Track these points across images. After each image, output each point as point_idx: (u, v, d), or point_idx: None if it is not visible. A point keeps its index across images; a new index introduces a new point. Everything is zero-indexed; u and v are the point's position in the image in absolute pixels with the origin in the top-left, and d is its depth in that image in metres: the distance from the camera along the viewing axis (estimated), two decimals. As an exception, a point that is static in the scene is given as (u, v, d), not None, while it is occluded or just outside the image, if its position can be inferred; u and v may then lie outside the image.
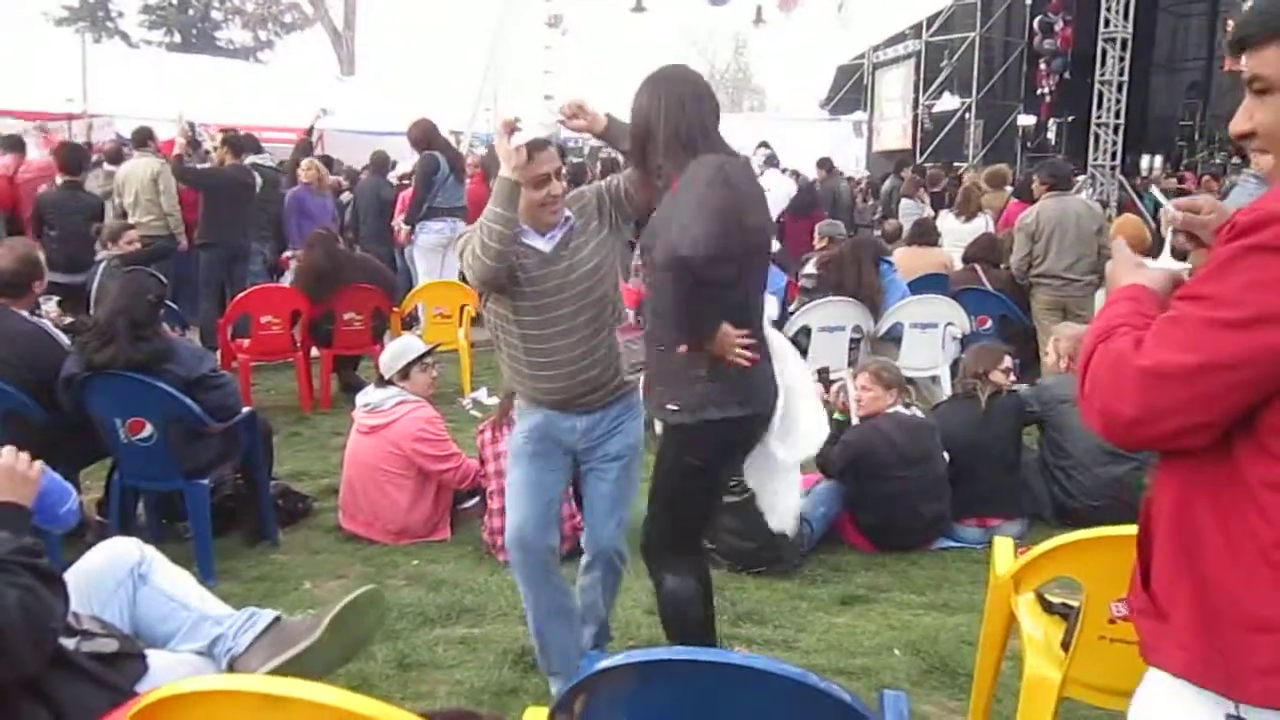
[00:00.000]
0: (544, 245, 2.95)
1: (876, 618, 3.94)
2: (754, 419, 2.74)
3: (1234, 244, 1.29)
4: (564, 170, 3.13)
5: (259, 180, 8.83)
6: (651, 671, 1.77)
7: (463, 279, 5.93)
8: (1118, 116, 13.48)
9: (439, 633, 3.73)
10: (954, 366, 6.64)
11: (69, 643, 1.98)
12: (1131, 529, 1.72)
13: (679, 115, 2.64)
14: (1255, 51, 1.38)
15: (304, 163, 9.39)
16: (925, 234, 7.93)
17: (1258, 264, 1.26)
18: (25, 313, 4.24)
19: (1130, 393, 1.34)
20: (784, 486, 2.96)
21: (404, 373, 4.73)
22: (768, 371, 2.75)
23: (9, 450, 2.03)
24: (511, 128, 2.78)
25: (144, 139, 8.72)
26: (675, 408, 2.72)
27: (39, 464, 2.05)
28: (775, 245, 6.45)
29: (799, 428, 2.84)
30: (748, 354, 2.62)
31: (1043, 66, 18.44)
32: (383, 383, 4.74)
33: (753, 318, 2.69)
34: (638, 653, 1.84)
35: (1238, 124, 1.44)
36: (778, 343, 2.88)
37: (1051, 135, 18.85)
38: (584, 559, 3.30)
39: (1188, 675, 1.40)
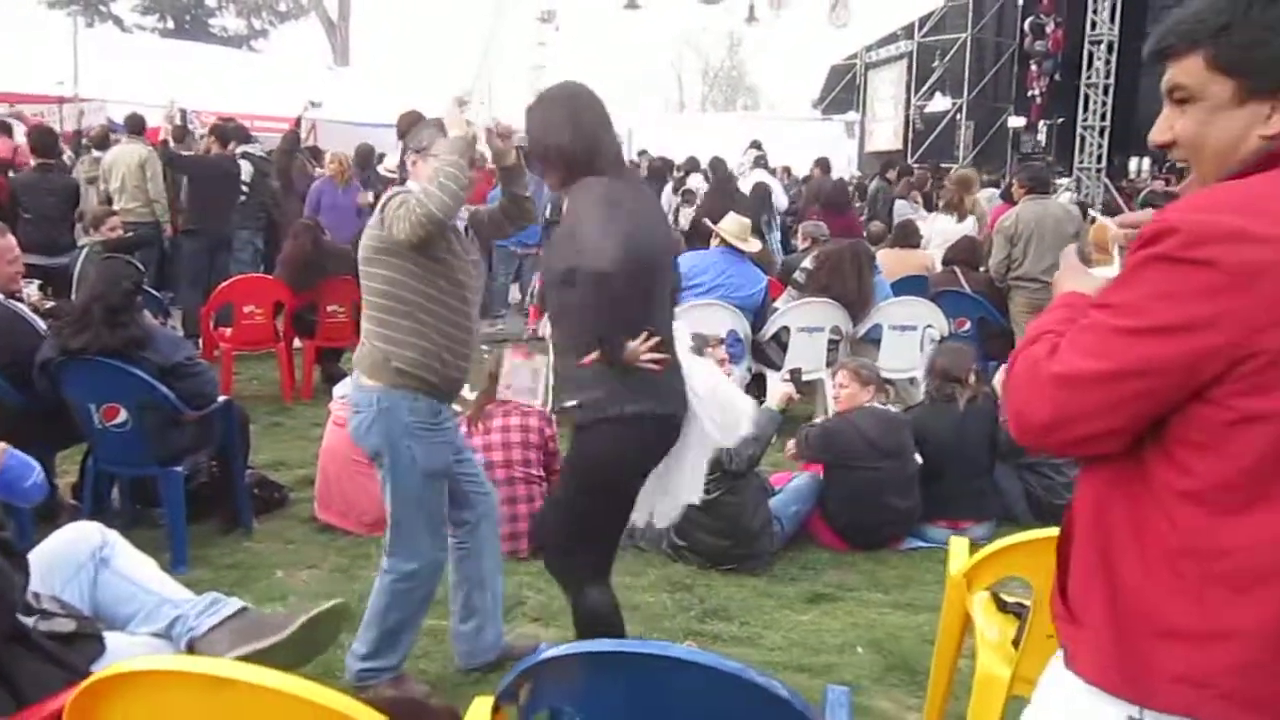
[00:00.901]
0: (461, 223, 3.14)
1: (842, 616, 3.98)
2: (663, 419, 2.75)
3: (1139, 253, 1.31)
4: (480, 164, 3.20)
5: (250, 170, 8.84)
6: (595, 662, 1.81)
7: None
8: (1104, 119, 13.56)
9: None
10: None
11: (27, 621, 2.01)
12: None
13: (563, 136, 2.72)
14: (1176, 61, 1.39)
15: (329, 155, 9.37)
16: (908, 236, 7.97)
17: (1159, 274, 1.28)
18: (0, 296, 4.25)
19: (1041, 398, 1.36)
20: (678, 476, 2.95)
21: None
22: (676, 378, 2.79)
23: None
24: (462, 102, 2.96)
25: (138, 126, 8.71)
26: (575, 402, 2.74)
27: (1, 444, 2.08)
28: (757, 245, 6.56)
29: (735, 407, 2.94)
30: (656, 356, 2.66)
31: (1033, 68, 18.49)
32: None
33: (659, 325, 2.72)
34: (582, 644, 1.88)
35: (1157, 134, 1.45)
36: (684, 358, 2.89)
37: (1042, 137, 18.91)
38: (469, 528, 3.32)
39: (1098, 681, 1.41)
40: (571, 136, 2.71)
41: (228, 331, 7.06)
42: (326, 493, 4.72)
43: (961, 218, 8.59)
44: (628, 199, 2.67)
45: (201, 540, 4.47)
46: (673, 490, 2.98)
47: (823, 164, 13.35)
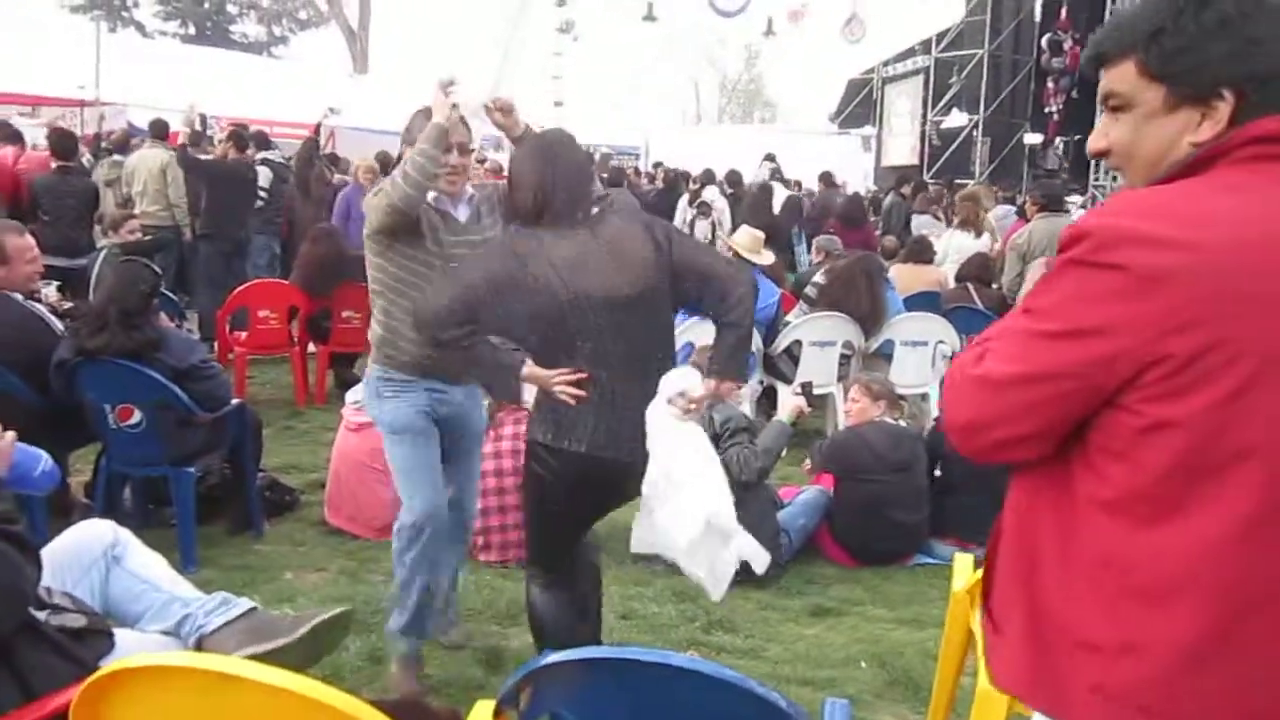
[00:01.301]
0: (459, 214, 3.23)
1: (846, 630, 3.98)
2: (560, 452, 2.74)
3: (1059, 257, 1.32)
4: (473, 151, 3.35)
5: (269, 175, 8.91)
6: (595, 668, 1.83)
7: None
8: (1121, 138, 13.52)
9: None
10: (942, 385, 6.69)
11: (39, 615, 2.04)
12: None
13: (521, 188, 2.81)
14: (1110, 68, 1.38)
15: (361, 163, 9.43)
16: (921, 251, 7.97)
17: (1074, 277, 1.29)
18: (19, 297, 4.30)
19: (963, 401, 1.37)
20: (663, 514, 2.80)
21: None
22: (605, 422, 2.72)
23: None
24: (448, 87, 3.07)
25: (161, 131, 8.81)
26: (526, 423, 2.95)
27: (10, 434, 2.10)
28: (770, 258, 6.58)
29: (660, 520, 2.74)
30: (569, 391, 2.69)
31: (1051, 85, 18.42)
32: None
33: (577, 363, 2.71)
34: (583, 649, 1.89)
35: (1094, 142, 1.44)
36: (660, 423, 2.74)
37: (1058, 154, 18.86)
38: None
39: (1015, 690, 1.40)
40: (537, 190, 2.77)
41: (243, 335, 7.11)
42: (337, 496, 4.76)
43: (978, 234, 8.60)
44: (540, 248, 2.70)
45: (211, 541, 4.51)
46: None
47: (827, 178, 13.37)
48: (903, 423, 4.95)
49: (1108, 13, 13.20)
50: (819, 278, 6.80)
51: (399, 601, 3.34)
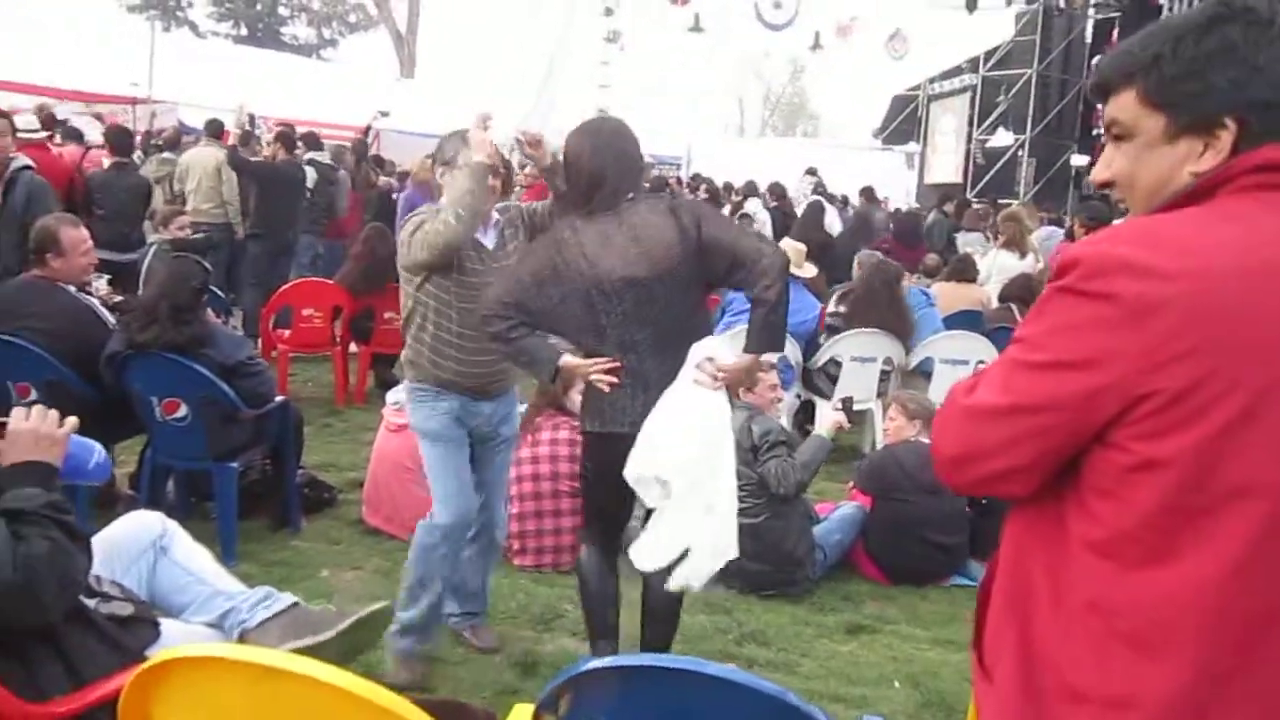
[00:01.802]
0: (487, 241, 3.33)
1: (880, 649, 3.95)
2: (609, 437, 2.96)
3: (1049, 285, 1.27)
4: (502, 174, 3.44)
5: (314, 176, 9.02)
6: (634, 676, 1.83)
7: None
8: (1170, 162, 13.35)
9: (446, 629, 3.80)
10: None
11: (89, 602, 2.08)
12: None
13: (568, 173, 3.02)
14: (1113, 96, 1.35)
15: (419, 162, 9.53)
16: (964, 270, 7.91)
17: (1063, 306, 1.24)
18: (72, 288, 4.38)
19: (952, 432, 1.33)
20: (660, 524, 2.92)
21: None
22: (640, 400, 2.89)
23: (37, 410, 2.11)
24: (485, 121, 3.17)
25: (216, 130, 8.95)
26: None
27: (71, 421, 2.13)
28: (812, 271, 6.56)
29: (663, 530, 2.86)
30: (606, 378, 2.89)
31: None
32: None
33: (607, 351, 2.92)
34: (622, 657, 1.90)
35: (1097, 173, 1.40)
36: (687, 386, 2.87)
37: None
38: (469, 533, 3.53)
39: None
40: (579, 171, 2.96)
41: (286, 333, 7.19)
42: (375, 496, 4.79)
43: (1023, 255, 8.53)
44: (549, 246, 2.94)
45: (250, 536, 4.56)
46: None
47: (868, 194, 13.31)
48: None
49: (1161, 35, 13.05)
50: (840, 306, 6.77)
51: (410, 597, 3.41)
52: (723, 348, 2.89)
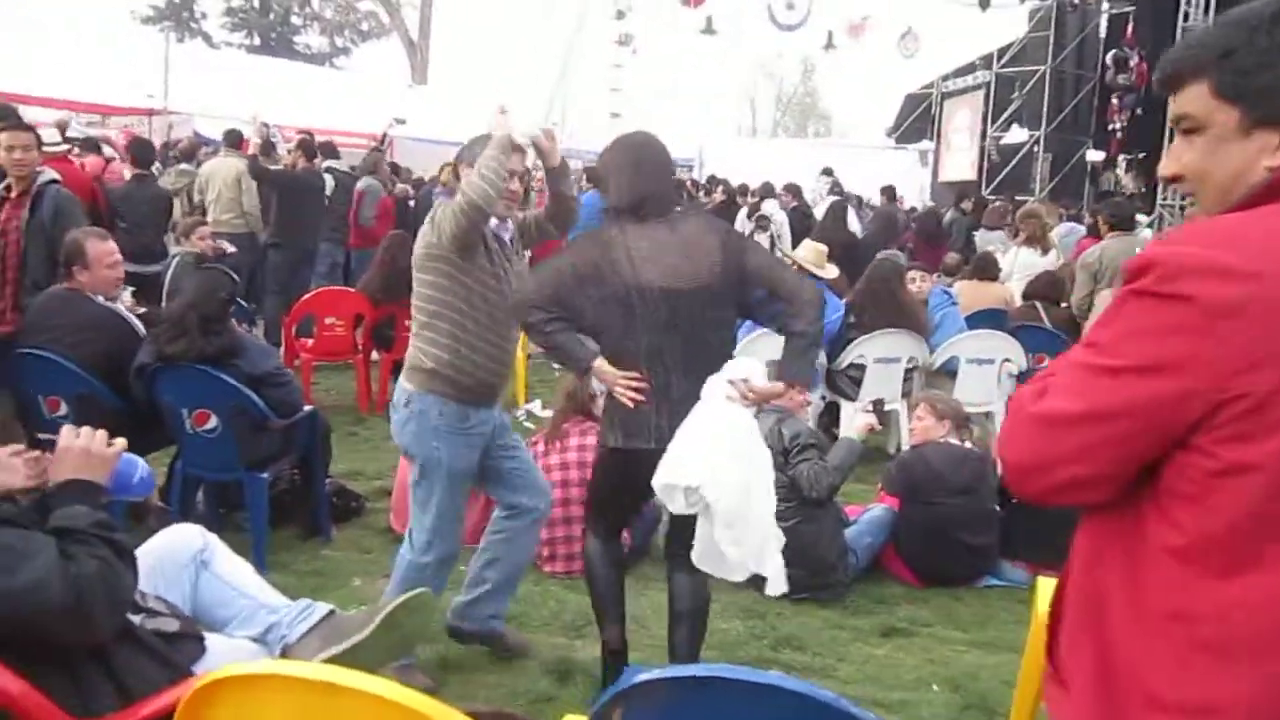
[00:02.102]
0: (506, 236, 3.31)
1: (917, 652, 3.93)
2: (635, 453, 2.96)
3: (1122, 289, 1.24)
4: (528, 178, 3.45)
5: (332, 184, 9.03)
6: (688, 687, 1.81)
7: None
8: (1190, 156, 13.26)
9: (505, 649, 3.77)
10: (1008, 404, 6.59)
11: (134, 619, 2.07)
12: None
13: (614, 182, 3.05)
14: (1182, 90, 1.32)
15: (445, 170, 9.56)
16: (986, 268, 7.86)
17: (1138, 310, 1.21)
18: (101, 298, 4.39)
19: (1023, 440, 1.30)
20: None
21: None
22: (668, 416, 2.90)
23: (86, 431, 2.12)
24: (503, 111, 3.16)
25: (235, 141, 8.98)
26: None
27: (120, 442, 2.14)
28: (834, 272, 6.52)
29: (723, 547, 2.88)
30: (630, 394, 2.91)
31: (1114, 102, 18.12)
32: None
33: (647, 367, 2.93)
34: (676, 667, 1.88)
35: (1165, 167, 1.37)
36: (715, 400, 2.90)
37: (1117, 173, 18.54)
38: (508, 510, 3.56)
39: None
40: (623, 189, 3.01)
41: (308, 342, 7.21)
42: (404, 504, 4.75)
43: (1044, 251, 8.48)
44: (600, 246, 2.94)
45: (281, 546, 4.56)
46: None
47: (889, 192, 13.28)
48: (968, 444, 4.86)
49: (1177, 29, 12.96)
50: (849, 316, 6.71)
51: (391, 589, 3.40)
52: (757, 370, 2.94)
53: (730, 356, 3.03)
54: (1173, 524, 1.23)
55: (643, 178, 2.99)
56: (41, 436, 3.64)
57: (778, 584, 2.97)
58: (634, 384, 2.92)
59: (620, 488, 3.15)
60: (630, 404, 2.92)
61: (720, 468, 2.79)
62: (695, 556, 2.92)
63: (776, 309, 3.00)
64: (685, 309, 2.91)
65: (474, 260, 3.13)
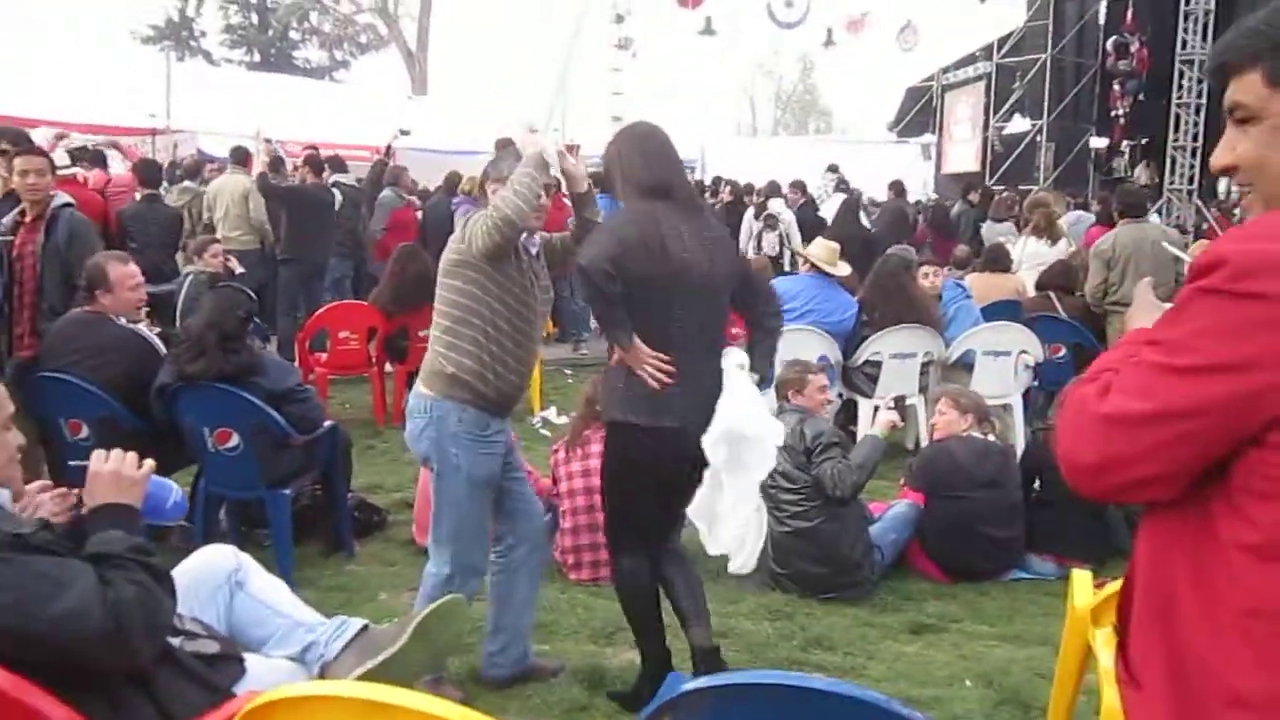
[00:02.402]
0: (534, 250, 3.32)
1: (947, 648, 3.91)
2: (652, 430, 3.01)
3: (1189, 286, 1.23)
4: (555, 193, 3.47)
5: (339, 199, 9.04)
6: (736, 694, 1.80)
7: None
8: (1195, 140, 13.20)
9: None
10: (1025, 395, 6.58)
11: (174, 641, 2.06)
12: None
13: (628, 167, 3.10)
14: (1235, 78, 1.30)
15: (468, 179, 9.54)
16: (998, 260, 7.83)
17: (1208, 308, 1.20)
18: (122, 319, 4.40)
19: (1089, 440, 1.28)
20: (726, 511, 3.13)
21: None
22: (690, 396, 2.99)
23: (116, 454, 2.11)
24: (532, 129, 3.33)
25: (241, 157, 8.99)
26: (600, 407, 3.29)
27: (149, 463, 2.13)
28: (846, 270, 6.50)
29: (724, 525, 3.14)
30: (659, 376, 2.96)
31: (1116, 88, 18.06)
32: None
33: (673, 348, 2.99)
34: (723, 675, 1.87)
35: (1219, 158, 1.35)
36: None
37: (1125, 158, 18.49)
38: (508, 546, 3.51)
39: None
40: (641, 170, 3.08)
41: (322, 356, 7.21)
42: (426, 516, 4.74)
43: (1053, 241, 8.46)
44: (651, 222, 2.97)
45: (305, 562, 4.55)
46: (720, 520, 3.16)
47: (897, 187, 13.26)
48: (991, 438, 4.84)
49: (1180, 15, 12.91)
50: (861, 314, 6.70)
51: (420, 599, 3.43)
52: (743, 356, 3.16)
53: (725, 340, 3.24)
54: (1247, 521, 1.22)
55: (658, 161, 3.08)
56: (72, 463, 3.64)
57: (739, 564, 3.20)
58: (663, 367, 2.96)
59: (636, 470, 3.11)
60: (657, 386, 2.95)
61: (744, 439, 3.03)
62: (692, 509, 3.10)
63: (758, 305, 3.28)
64: (711, 297, 3.06)
65: (503, 270, 3.13)
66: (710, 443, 2.97)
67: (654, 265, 2.93)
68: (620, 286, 2.92)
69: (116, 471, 2.08)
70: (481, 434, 3.20)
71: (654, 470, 3.09)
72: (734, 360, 3.10)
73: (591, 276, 2.92)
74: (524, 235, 3.21)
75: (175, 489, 2.25)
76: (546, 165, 3.10)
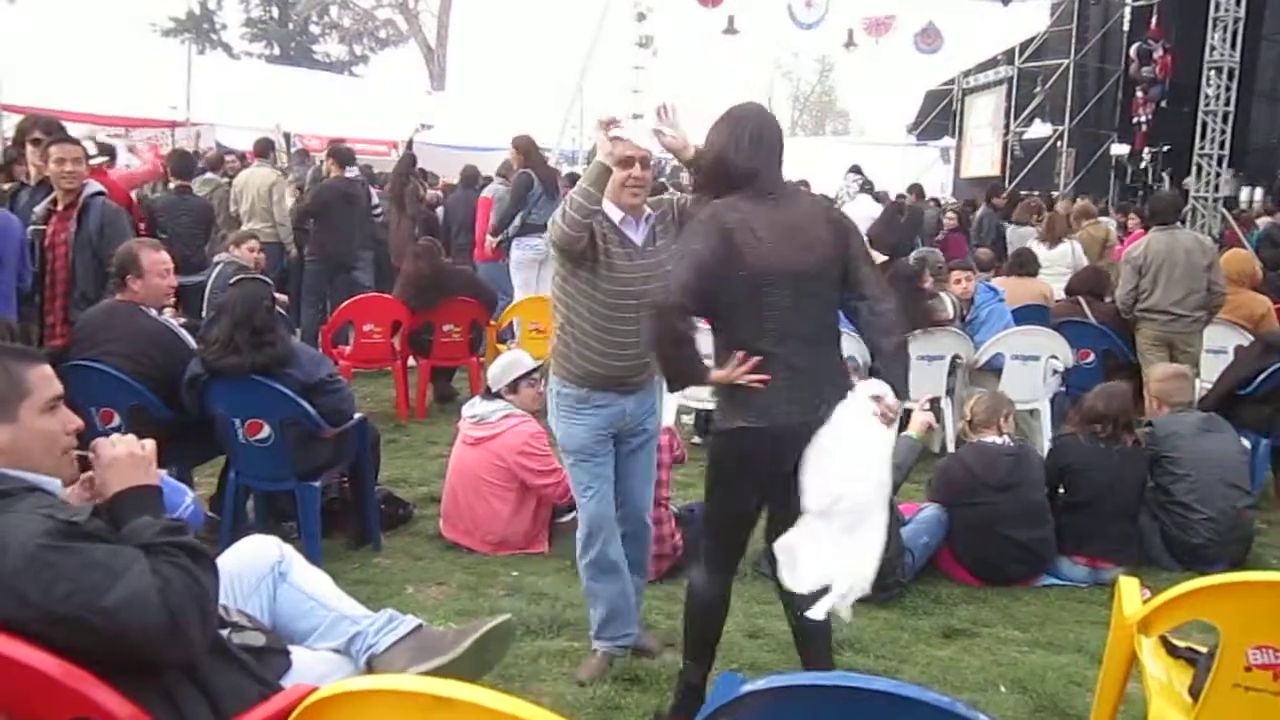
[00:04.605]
0: (637, 237, 3.34)
1: (980, 652, 3.87)
2: (759, 431, 2.85)
3: None
4: (651, 164, 3.42)
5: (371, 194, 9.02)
6: (794, 695, 1.77)
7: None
8: (1222, 147, 13.09)
9: (540, 645, 3.77)
10: (1053, 401, 6.53)
11: (222, 633, 2.04)
12: (1275, 575, 1.62)
13: (718, 156, 2.92)
14: None
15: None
16: (1025, 264, 7.77)
17: None
18: (153, 311, 4.39)
19: None
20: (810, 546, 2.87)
21: (512, 386, 4.78)
22: (796, 392, 2.84)
23: (118, 437, 2.09)
24: (610, 122, 3.20)
25: (266, 150, 8.98)
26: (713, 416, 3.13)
27: (150, 442, 2.10)
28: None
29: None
30: (754, 378, 2.82)
31: (1139, 94, 17.95)
32: (489, 395, 4.79)
33: (767, 346, 2.83)
34: (781, 676, 1.84)
35: None
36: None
37: (1145, 164, 18.38)
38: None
39: None
40: (744, 157, 2.88)
41: (346, 349, 7.20)
42: (453, 510, 4.76)
43: (1054, 244, 8.54)
44: (719, 227, 2.79)
45: (331, 555, 4.53)
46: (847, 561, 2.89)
47: (917, 190, 13.21)
48: (1004, 438, 4.79)
49: (1210, 22, 12.79)
50: None
51: (590, 608, 3.61)
52: (889, 390, 2.87)
53: (839, 334, 3.05)
54: None
55: (764, 151, 2.89)
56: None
57: (832, 610, 2.85)
58: (750, 368, 2.82)
59: (744, 473, 2.95)
60: (760, 385, 2.82)
61: (860, 489, 2.82)
62: (778, 544, 2.89)
63: (859, 304, 2.96)
64: (806, 290, 2.86)
65: (579, 263, 3.26)
66: (814, 495, 2.79)
67: (735, 273, 2.78)
68: (692, 322, 2.82)
69: (131, 453, 2.06)
70: (576, 407, 3.39)
71: (761, 472, 2.92)
72: (870, 390, 2.85)
73: (664, 316, 2.80)
74: (619, 217, 3.31)
75: (189, 494, 2.23)
76: (607, 171, 3.14)
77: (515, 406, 4.75)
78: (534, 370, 4.81)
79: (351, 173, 9.02)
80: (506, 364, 4.86)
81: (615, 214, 3.32)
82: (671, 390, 3.12)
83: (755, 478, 2.95)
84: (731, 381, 2.84)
